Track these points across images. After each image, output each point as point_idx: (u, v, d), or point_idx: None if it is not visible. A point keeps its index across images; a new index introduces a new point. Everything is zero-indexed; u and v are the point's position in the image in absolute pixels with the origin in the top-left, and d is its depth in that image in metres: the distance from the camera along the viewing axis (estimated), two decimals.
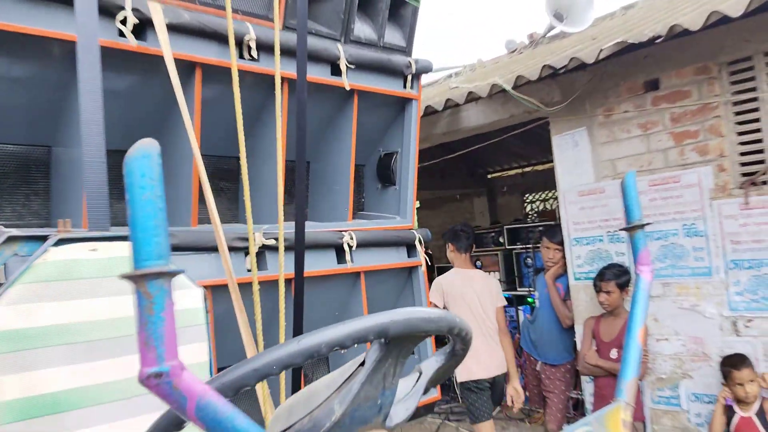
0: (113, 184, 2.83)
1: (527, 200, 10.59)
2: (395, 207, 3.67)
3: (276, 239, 2.83)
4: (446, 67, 7.07)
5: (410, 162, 3.61)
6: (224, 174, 3.23)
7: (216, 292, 2.72)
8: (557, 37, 5.56)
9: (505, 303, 4.34)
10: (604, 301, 3.73)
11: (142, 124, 2.74)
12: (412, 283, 3.60)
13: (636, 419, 3.64)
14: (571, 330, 4.24)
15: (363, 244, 3.27)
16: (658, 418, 3.73)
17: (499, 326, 4.14)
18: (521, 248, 6.59)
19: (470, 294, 4.07)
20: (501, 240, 6.98)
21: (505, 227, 7.03)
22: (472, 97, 4.01)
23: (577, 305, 4.15)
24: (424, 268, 3.58)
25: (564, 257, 4.28)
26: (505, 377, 4.19)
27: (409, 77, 3.49)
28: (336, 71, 3.15)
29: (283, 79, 2.90)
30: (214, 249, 2.70)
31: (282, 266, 2.74)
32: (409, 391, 1.00)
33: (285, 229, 2.89)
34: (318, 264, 3.08)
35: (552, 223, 5.75)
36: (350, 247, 3.16)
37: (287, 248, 2.84)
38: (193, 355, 1.36)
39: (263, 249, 2.84)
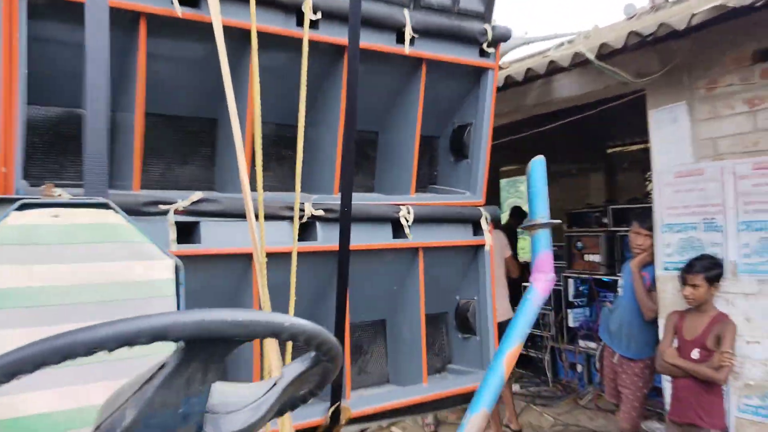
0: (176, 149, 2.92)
1: (648, 178, 9.84)
2: (467, 182, 3.50)
3: (325, 210, 2.79)
4: (559, 34, 6.64)
5: (484, 135, 3.42)
6: (289, 142, 3.22)
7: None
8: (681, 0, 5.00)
9: (510, 252, 5.81)
10: (689, 295, 3.37)
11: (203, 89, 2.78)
12: (477, 264, 3.44)
13: (716, 428, 3.29)
14: (653, 323, 3.89)
15: (424, 220, 3.16)
16: (744, 429, 3.34)
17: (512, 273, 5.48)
18: (626, 230, 6.13)
19: None
20: (605, 221, 6.54)
21: (610, 207, 6.57)
22: (553, 67, 3.71)
23: (662, 297, 3.79)
24: (489, 247, 3.40)
25: (653, 245, 3.91)
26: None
27: (485, 45, 3.27)
28: (401, 39, 3.01)
29: (345, 47, 2.83)
30: (267, 217, 2.71)
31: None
32: (257, 398, 0.90)
33: (338, 200, 2.85)
34: (373, 237, 3.01)
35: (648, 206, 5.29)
36: (407, 221, 3.06)
37: (337, 220, 2.80)
38: None
39: (313, 219, 2.81)
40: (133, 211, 2.41)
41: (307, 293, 2.94)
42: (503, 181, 13.67)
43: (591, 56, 3.39)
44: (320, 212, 2.79)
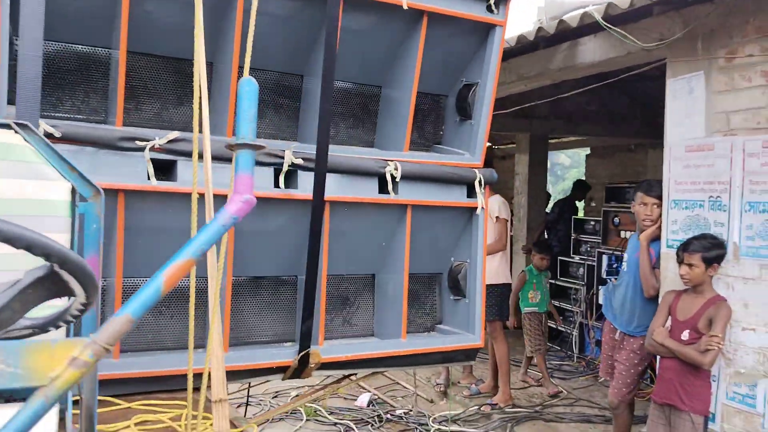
0: None
1: None
2: (469, 143, 3.43)
3: (304, 159, 2.81)
4: None
5: (487, 95, 3.32)
6: (283, 90, 3.24)
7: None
8: None
9: (498, 215, 5.62)
10: (685, 274, 3.21)
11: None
12: (471, 227, 3.39)
13: (696, 412, 3.16)
14: (655, 301, 3.73)
15: (414, 177, 3.14)
16: (730, 417, 3.20)
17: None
18: None
19: None
20: None
21: None
22: (563, 27, 3.53)
23: (664, 276, 3.63)
24: (483, 212, 3.34)
25: (661, 216, 3.71)
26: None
27: (492, 0, 3.16)
28: None
29: None
30: None
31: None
32: None
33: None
34: (357, 191, 3.02)
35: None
36: (393, 177, 3.04)
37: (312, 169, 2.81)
38: None
39: (294, 168, 2.84)
40: (109, 145, 2.53)
41: (288, 241, 3.00)
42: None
43: (598, 17, 3.21)
44: (299, 160, 2.81)
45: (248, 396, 4.15)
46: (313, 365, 2.94)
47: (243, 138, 1.02)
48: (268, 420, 4.81)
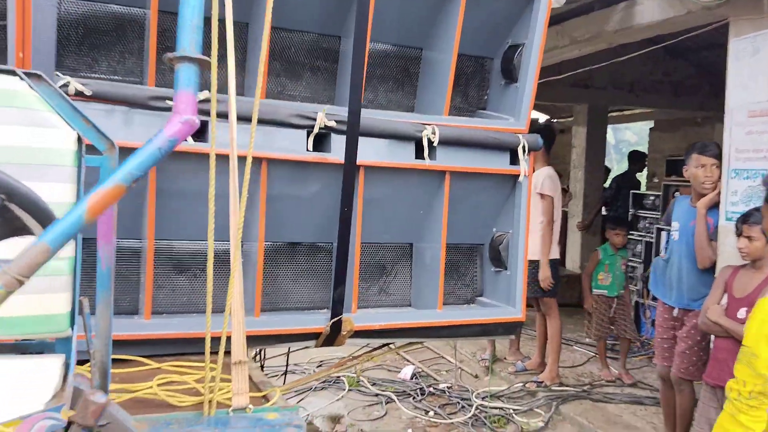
0: None
1: None
2: (514, 107, 3.27)
3: (337, 121, 2.72)
4: None
5: (533, 57, 3.15)
6: (321, 52, 3.15)
7: (272, 166, 2.75)
8: None
9: (541, 191, 5.40)
10: (744, 248, 2.98)
11: None
12: (514, 196, 3.24)
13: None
14: (712, 272, 3.46)
15: (453, 142, 3.01)
16: None
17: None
18: None
19: None
20: None
21: None
22: None
23: (722, 251, 3.38)
24: (527, 180, 3.18)
25: (720, 179, 3.41)
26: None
27: None
28: None
29: None
30: (276, 123, 2.70)
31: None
32: None
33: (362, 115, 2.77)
34: (394, 156, 2.92)
35: None
36: (431, 142, 2.92)
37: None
38: (54, 194, 1.39)
39: (327, 130, 2.76)
40: (141, 104, 2.51)
41: (323, 207, 2.93)
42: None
43: None
44: (332, 123, 2.72)
45: (287, 363, 4.16)
46: (345, 333, 2.88)
47: (183, 50, 0.91)
48: (293, 388, 4.83)
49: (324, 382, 5.59)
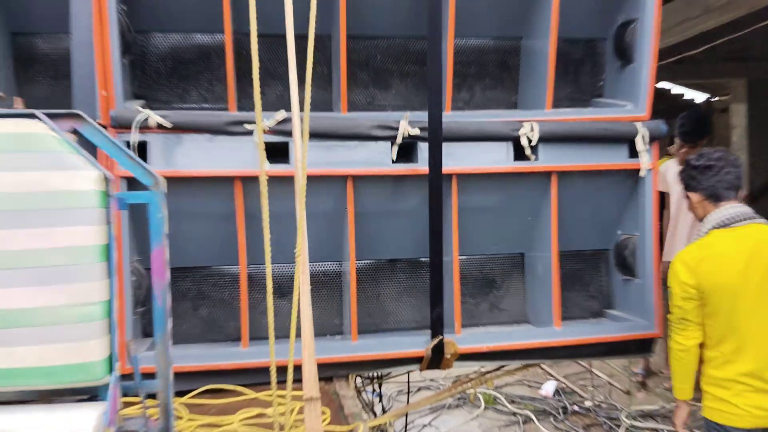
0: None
1: None
2: (631, 92, 2.87)
3: (421, 128, 2.52)
4: None
5: (648, 31, 2.73)
6: (411, 56, 2.97)
7: (359, 182, 2.61)
8: None
9: None
10: None
11: None
12: (638, 193, 2.82)
13: None
14: None
15: (558, 139, 2.68)
16: None
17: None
18: None
19: None
20: None
21: None
22: None
23: None
24: (650, 173, 2.76)
25: None
26: None
27: None
28: None
29: None
30: (357, 137, 2.56)
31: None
32: None
33: (448, 118, 2.55)
34: (489, 160, 2.65)
35: None
36: (530, 140, 2.62)
37: (446, 139, 2.51)
38: (79, 238, 1.34)
39: (412, 139, 2.57)
40: (219, 130, 2.49)
41: (418, 219, 2.72)
42: None
43: None
44: (416, 130, 2.53)
45: (408, 382, 3.99)
46: (449, 356, 2.66)
47: None
48: (424, 406, 4.62)
49: (459, 398, 5.35)
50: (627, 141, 2.74)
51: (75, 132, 1.56)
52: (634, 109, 2.79)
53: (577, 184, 2.80)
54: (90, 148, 1.54)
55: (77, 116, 1.53)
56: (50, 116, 1.46)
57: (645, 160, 2.70)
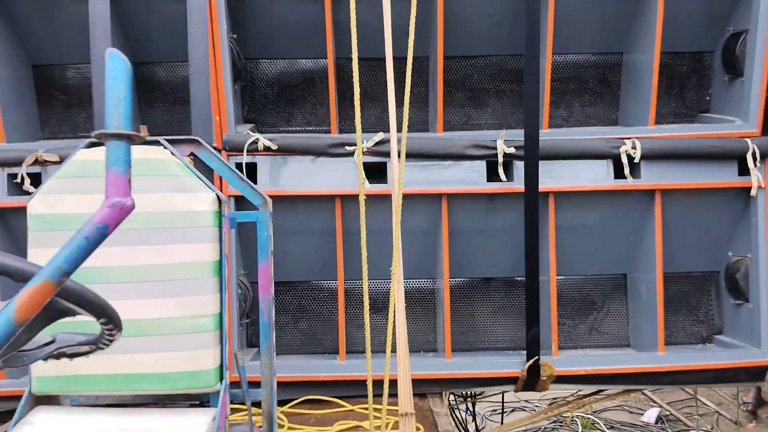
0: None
1: None
2: (741, 106, 2.73)
3: (517, 147, 2.52)
4: None
5: (761, 42, 2.60)
6: (508, 75, 2.98)
7: (453, 201, 2.63)
8: None
9: None
10: None
11: None
12: (750, 212, 2.68)
13: None
14: None
15: (662, 156, 2.60)
16: None
17: None
18: None
19: None
20: None
21: None
22: None
23: None
24: (764, 192, 2.61)
25: None
26: None
27: None
28: None
29: None
30: (452, 156, 2.60)
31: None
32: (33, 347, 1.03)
33: (545, 135, 2.54)
34: (588, 178, 2.61)
35: None
36: (631, 159, 2.56)
37: (543, 157, 2.51)
38: (195, 254, 1.46)
39: (509, 158, 2.57)
40: (322, 152, 2.60)
41: (514, 238, 2.72)
42: None
43: None
44: (512, 149, 2.53)
45: (503, 402, 3.94)
46: (545, 378, 2.62)
47: (108, 126, 0.80)
48: (516, 428, 4.53)
49: (555, 421, 5.21)
50: (736, 158, 2.61)
51: (192, 155, 1.71)
52: (743, 124, 2.65)
53: (682, 203, 2.69)
54: (205, 169, 1.69)
55: (195, 142, 1.67)
56: (171, 142, 1.61)
57: (756, 178, 2.56)
